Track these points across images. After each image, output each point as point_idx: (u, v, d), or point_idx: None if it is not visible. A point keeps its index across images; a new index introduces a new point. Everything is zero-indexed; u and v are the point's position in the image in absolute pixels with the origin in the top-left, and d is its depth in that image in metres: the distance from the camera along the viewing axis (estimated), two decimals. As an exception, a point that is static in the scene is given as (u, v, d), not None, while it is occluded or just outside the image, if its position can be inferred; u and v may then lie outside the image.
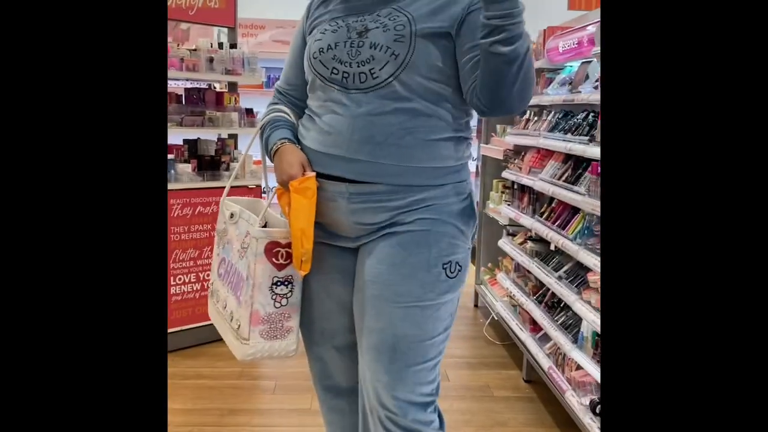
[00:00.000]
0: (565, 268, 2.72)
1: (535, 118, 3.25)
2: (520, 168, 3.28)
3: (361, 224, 1.41)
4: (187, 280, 3.33)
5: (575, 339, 2.49)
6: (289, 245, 1.41)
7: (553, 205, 2.91)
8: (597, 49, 2.50)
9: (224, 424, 2.56)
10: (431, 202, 1.39)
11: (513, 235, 3.54)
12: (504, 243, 3.55)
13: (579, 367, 2.43)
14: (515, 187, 3.45)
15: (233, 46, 3.59)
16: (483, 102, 1.32)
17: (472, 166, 5.32)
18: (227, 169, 3.44)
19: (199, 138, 3.47)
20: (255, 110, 3.66)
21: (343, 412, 1.62)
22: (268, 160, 1.52)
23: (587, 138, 2.43)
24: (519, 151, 3.46)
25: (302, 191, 1.36)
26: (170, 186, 3.19)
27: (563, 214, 2.76)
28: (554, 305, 2.83)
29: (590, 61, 2.68)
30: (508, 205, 3.53)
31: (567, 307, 2.61)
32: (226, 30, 3.78)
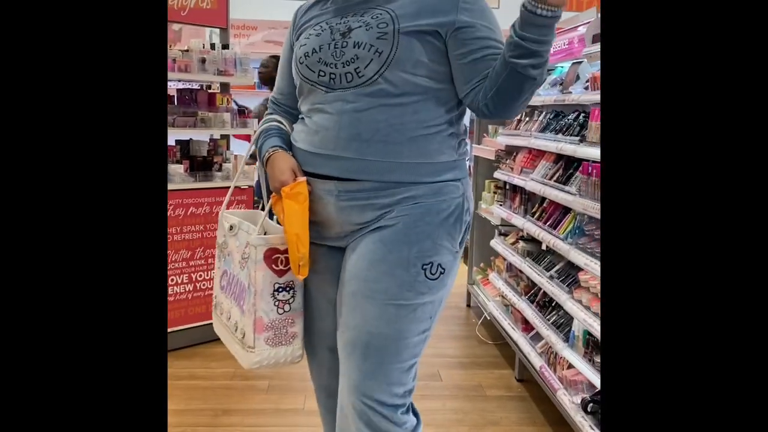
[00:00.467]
0: (556, 267, 2.73)
1: (527, 119, 3.26)
2: (512, 168, 3.30)
3: (350, 223, 1.42)
4: (179, 281, 3.33)
5: (567, 338, 2.50)
6: (287, 251, 1.42)
7: (544, 205, 2.92)
8: (587, 49, 2.52)
9: (217, 425, 2.56)
10: (420, 200, 1.38)
11: (505, 235, 3.56)
12: (496, 243, 3.57)
13: (570, 366, 2.44)
14: (507, 187, 3.47)
15: (225, 46, 3.59)
16: (491, 108, 1.35)
17: (464, 166, 5.34)
18: (219, 169, 3.44)
19: (191, 138, 3.46)
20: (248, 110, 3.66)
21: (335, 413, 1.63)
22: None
23: (578, 138, 2.45)
24: (511, 151, 3.48)
25: (294, 197, 1.38)
26: (162, 187, 3.18)
27: (555, 213, 2.77)
28: (546, 304, 2.85)
29: (581, 62, 2.70)
30: (500, 205, 3.55)
31: (558, 307, 2.63)
32: (218, 31, 3.78)
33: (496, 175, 3.55)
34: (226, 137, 3.63)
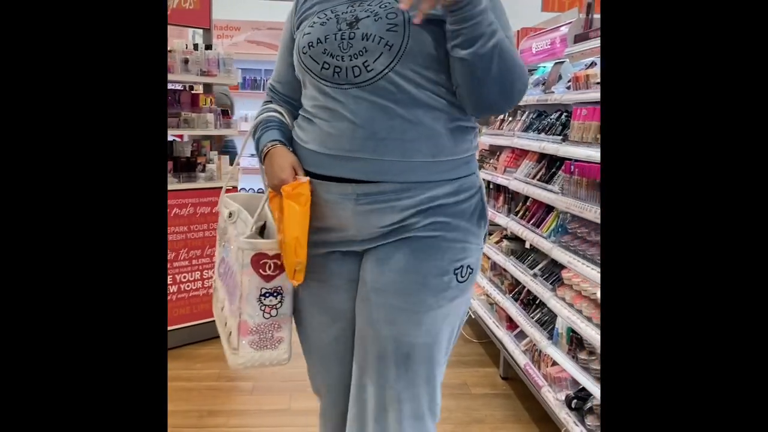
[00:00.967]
0: (540, 265, 2.75)
1: (510, 119, 3.29)
2: (496, 168, 3.32)
3: (370, 227, 1.34)
4: (163, 283, 3.31)
5: (551, 335, 2.52)
6: (277, 256, 1.35)
7: (527, 203, 2.94)
8: (569, 49, 2.54)
9: (203, 426, 2.56)
10: (442, 201, 1.33)
11: (489, 234, 3.57)
12: (480, 242, 3.58)
13: (555, 363, 2.46)
14: (491, 186, 3.48)
15: (208, 47, 3.58)
16: (468, 105, 1.30)
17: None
18: (203, 170, 3.43)
19: (174, 139, 3.45)
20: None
21: (324, 416, 1.59)
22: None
23: (560, 137, 2.47)
24: (494, 151, 3.50)
25: (295, 197, 1.30)
26: (146, 188, 3.16)
27: (538, 212, 2.80)
28: (530, 302, 2.87)
29: (563, 62, 2.73)
30: (484, 204, 3.56)
31: (542, 304, 2.65)
32: (201, 31, 3.77)
33: (480, 174, 3.57)
34: (209, 138, 3.62)
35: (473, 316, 3.58)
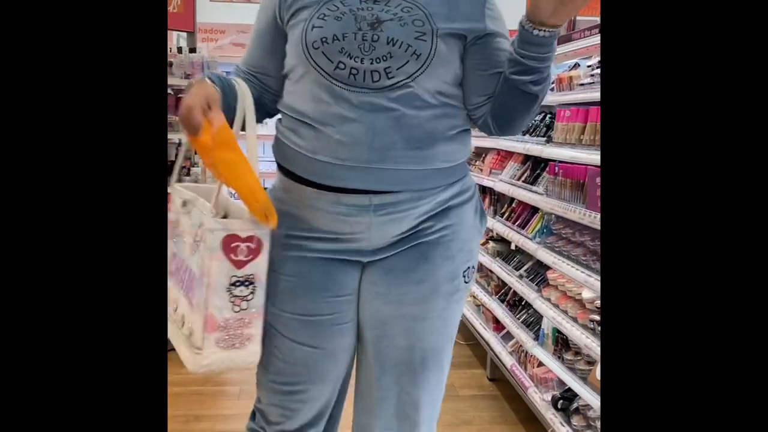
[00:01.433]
0: (525, 266, 2.76)
1: (495, 120, 3.30)
2: (482, 170, 3.33)
3: (386, 236, 1.29)
4: (148, 287, 3.29)
5: (536, 336, 2.53)
6: (249, 239, 1.22)
7: (513, 205, 2.96)
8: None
9: (188, 431, 2.54)
10: (451, 202, 1.31)
11: (475, 235, 3.58)
12: (466, 244, 3.59)
13: (541, 364, 2.47)
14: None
15: (192, 50, 3.57)
16: (497, 124, 1.30)
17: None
18: (188, 173, 3.42)
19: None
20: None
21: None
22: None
23: (544, 139, 2.48)
24: (480, 153, 3.51)
25: (223, 145, 1.16)
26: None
27: (523, 213, 2.81)
28: (516, 303, 2.88)
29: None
30: (470, 206, 3.58)
31: (528, 305, 2.66)
32: (185, 34, 3.76)
33: (466, 176, 3.58)
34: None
35: (461, 318, 3.59)
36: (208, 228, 1.21)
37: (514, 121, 1.30)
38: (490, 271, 3.14)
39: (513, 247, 2.99)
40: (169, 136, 3.43)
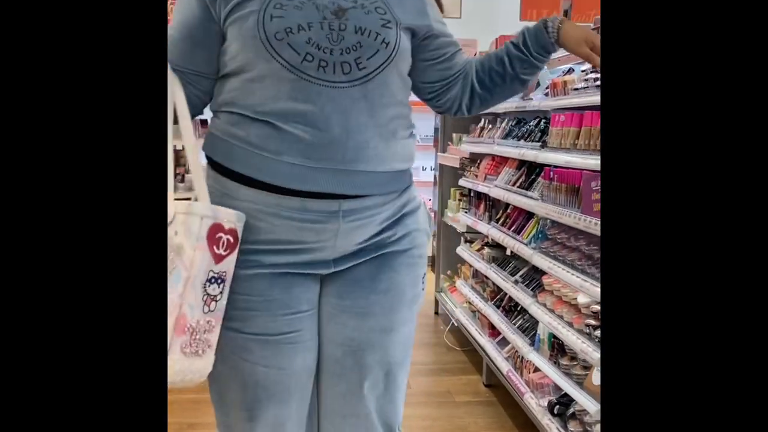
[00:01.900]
0: (521, 272, 2.76)
1: (490, 126, 3.30)
2: (476, 175, 3.33)
3: (350, 244, 1.22)
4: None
5: (532, 341, 2.53)
6: (231, 231, 1.13)
7: (508, 210, 2.96)
8: (547, 57, 2.56)
9: (183, 439, 2.53)
10: (407, 208, 1.28)
11: (471, 242, 3.58)
12: (462, 250, 3.59)
13: (537, 370, 2.47)
14: (472, 194, 3.50)
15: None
16: (473, 106, 1.37)
17: (429, 175, 5.38)
18: (182, 180, 3.41)
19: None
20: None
21: None
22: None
23: (539, 144, 2.49)
24: (475, 158, 3.51)
25: None
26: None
27: (518, 219, 2.81)
28: (511, 309, 2.87)
29: (541, 69, 2.74)
30: (465, 212, 3.58)
31: (524, 311, 2.65)
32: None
33: (461, 182, 3.58)
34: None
35: (456, 324, 3.58)
36: (197, 213, 1.10)
37: (495, 102, 1.40)
38: (486, 276, 3.13)
39: (508, 252, 2.99)
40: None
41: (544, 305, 2.37)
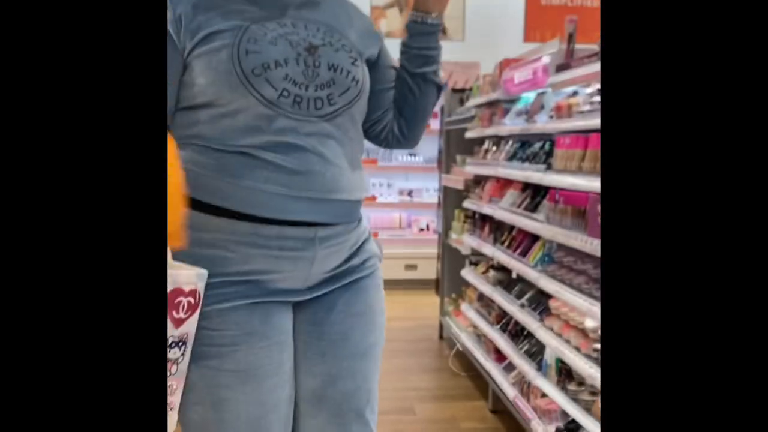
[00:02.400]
0: (527, 295, 2.73)
1: (494, 148, 3.29)
2: (481, 197, 3.32)
3: (322, 272, 1.24)
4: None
5: (539, 366, 2.49)
6: (192, 293, 1.08)
7: (513, 233, 2.93)
8: (552, 79, 2.56)
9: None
10: (365, 236, 1.32)
11: (475, 264, 3.56)
12: (467, 273, 3.56)
13: (544, 395, 2.43)
14: (476, 216, 3.48)
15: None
16: (406, 134, 1.38)
17: (434, 197, 5.37)
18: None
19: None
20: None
21: None
22: None
23: (544, 166, 2.47)
24: (479, 180, 3.50)
25: None
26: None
27: (523, 241, 2.78)
28: (518, 333, 2.84)
29: (545, 92, 2.74)
30: (470, 234, 3.55)
31: (530, 335, 2.62)
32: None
33: (465, 204, 3.57)
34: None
35: (461, 349, 3.54)
36: None
37: (420, 123, 1.39)
38: (491, 300, 3.10)
39: (514, 275, 2.96)
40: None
41: (551, 329, 2.34)
